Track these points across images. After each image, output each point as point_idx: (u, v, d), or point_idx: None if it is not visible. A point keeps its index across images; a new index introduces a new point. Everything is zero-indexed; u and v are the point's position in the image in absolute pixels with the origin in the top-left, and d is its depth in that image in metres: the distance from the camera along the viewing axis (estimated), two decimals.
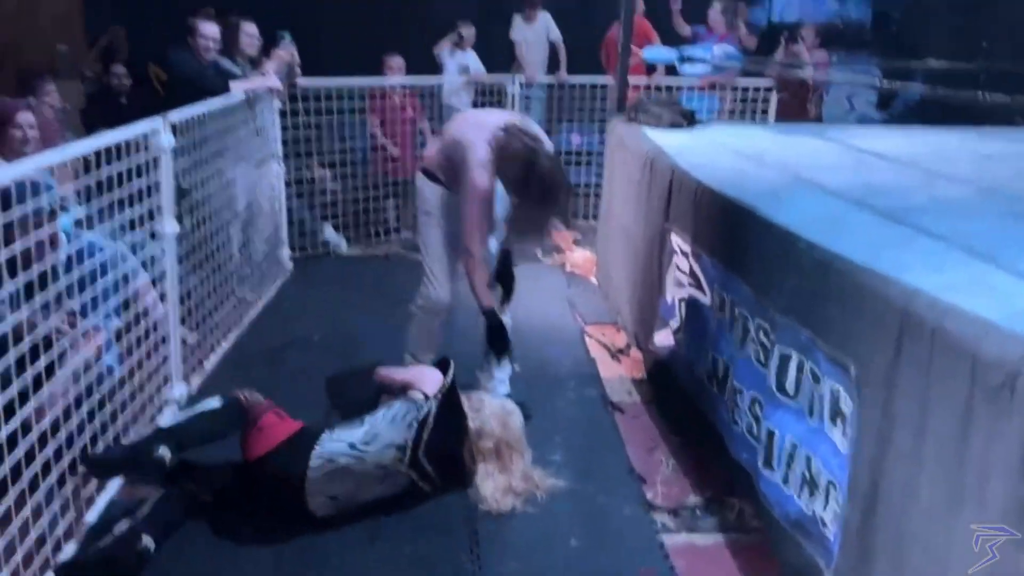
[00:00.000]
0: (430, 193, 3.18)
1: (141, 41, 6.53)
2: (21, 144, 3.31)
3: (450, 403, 2.71)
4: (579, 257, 5.62)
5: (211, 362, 3.77)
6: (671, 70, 6.05)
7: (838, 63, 7.62)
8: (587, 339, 4.23)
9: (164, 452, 2.51)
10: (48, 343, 2.31)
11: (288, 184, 5.16)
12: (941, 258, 2.09)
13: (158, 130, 3.03)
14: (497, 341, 3.14)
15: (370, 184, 5.69)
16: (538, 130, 3.13)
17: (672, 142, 3.88)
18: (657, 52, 4.83)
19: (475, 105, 6.29)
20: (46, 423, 2.30)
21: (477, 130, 3.03)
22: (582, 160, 6.54)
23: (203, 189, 3.78)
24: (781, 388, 2.42)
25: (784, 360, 2.40)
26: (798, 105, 6.32)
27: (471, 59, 6.33)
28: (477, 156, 2.96)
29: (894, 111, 7.68)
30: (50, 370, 2.31)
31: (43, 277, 2.28)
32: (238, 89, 4.24)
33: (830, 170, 3.30)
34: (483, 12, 7.56)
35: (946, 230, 2.34)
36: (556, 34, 6.71)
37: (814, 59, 6.37)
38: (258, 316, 4.40)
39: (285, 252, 5.13)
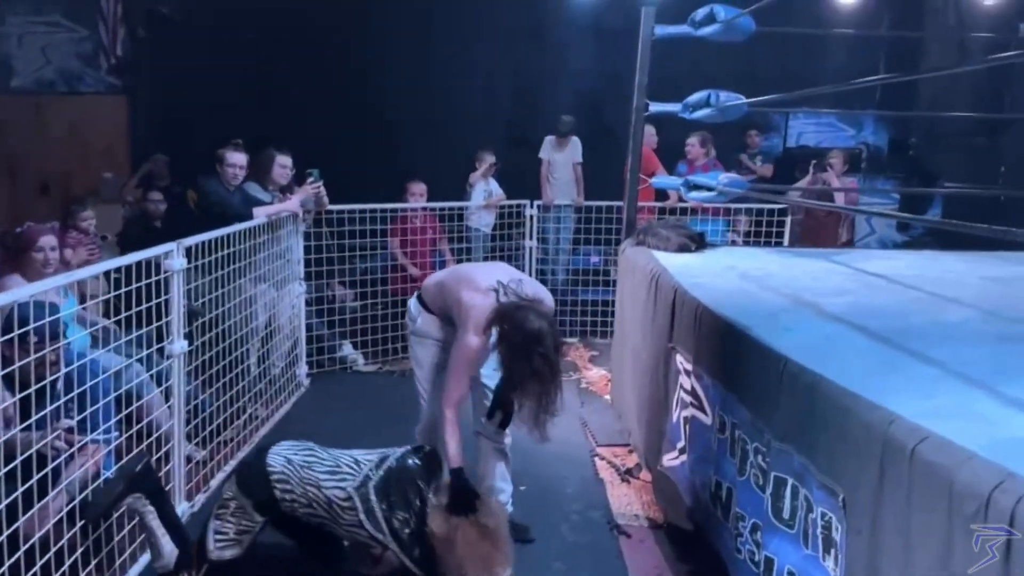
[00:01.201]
0: (423, 321, 3.25)
1: (182, 169, 6.92)
2: (42, 266, 3.49)
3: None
4: (595, 375, 5.62)
5: (217, 479, 3.77)
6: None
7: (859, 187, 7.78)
8: (597, 460, 4.16)
9: None
10: (44, 458, 2.36)
11: (309, 302, 5.30)
12: (931, 383, 2.07)
13: (170, 253, 3.16)
14: (459, 502, 2.82)
15: (389, 302, 5.80)
16: (537, 288, 3.11)
17: (677, 263, 3.94)
18: (665, 180, 5.01)
19: (496, 227, 6.52)
20: (37, 537, 2.32)
21: (479, 292, 2.98)
22: (599, 279, 6.65)
23: (218, 308, 3.90)
24: (778, 514, 2.36)
25: (780, 485, 2.35)
26: (827, 230, 6.37)
27: (493, 185, 6.60)
28: (474, 318, 2.91)
29: (914, 233, 7.74)
30: (45, 484, 2.35)
31: (44, 393, 2.35)
32: (261, 214, 4.43)
33: (832, 293, 3.31)
34: (508, 140, 7.94)
35: (941, 354, 2.32)
36: (578, 157, 6.96)
37: (843, 185, 6.47)
38: (268, 432, 4.42)
39: (303, 368, 5.20)
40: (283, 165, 4.88)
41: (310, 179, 4.85)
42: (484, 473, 3.36)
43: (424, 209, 6.02)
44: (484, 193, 6.55)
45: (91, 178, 8.23)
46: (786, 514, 2.30)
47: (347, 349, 5.60)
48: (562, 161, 6.97)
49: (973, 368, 2.17)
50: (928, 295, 3.34)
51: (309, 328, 5.28)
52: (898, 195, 8.29)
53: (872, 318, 2.82)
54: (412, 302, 3.34)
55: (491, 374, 3.19)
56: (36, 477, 2.31)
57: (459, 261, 6.21)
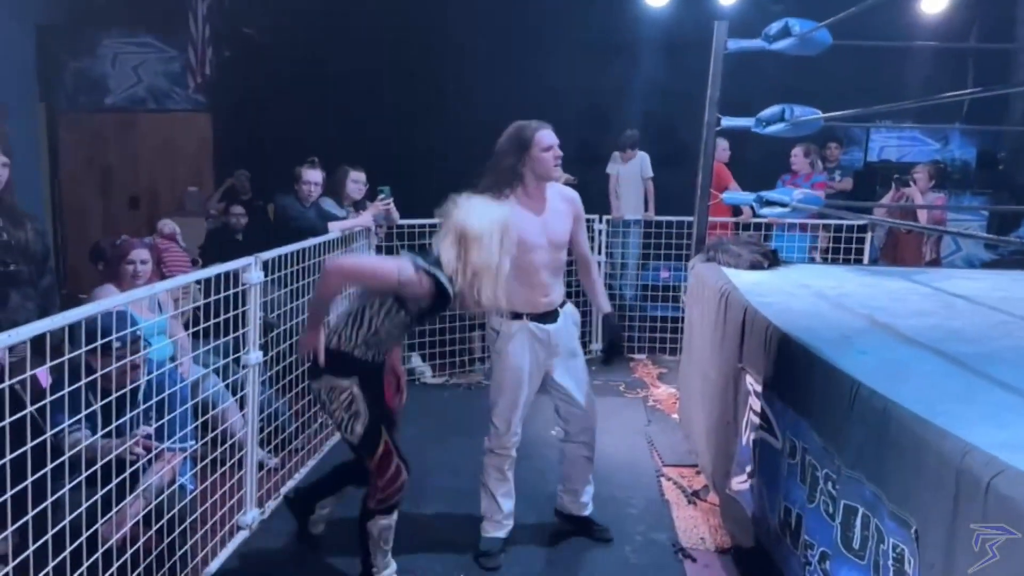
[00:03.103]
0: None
1: (264, 183, 7.16)
2: (133, 278, 3.65)
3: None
4: (663, 393, 5.55)
5: (287, 486, 3.86)
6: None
7: (945, 203, 7.48)
8: (663, 480, 4.10)
9: None
10: (123, 464, 2.47)
11: None
12: (1009, 412, 1.98)
13: (248, 266, 3.27)
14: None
15: (457, 316, 5.86)
16: None
17: (748, 281, 3.87)
18: (736, 195, 4.93)
19: None
20: (116, 538, 2.42)
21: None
22: (669, 295, 6.57)
23: (294, 320, 4.01)
24: (848, 544, 2.28)
25: (850, 514, 2.28)
26: (910, 248, 6.14)
27: None
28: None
29: (1003, 252, 7.40)
30: (124, 489, 2.45)
31: (125, 402, 2.46)
32: (335, 229, 4.55)
33: (910, 314, 3.19)
34: (578, 155, 7.93)
35: (1019, 380, 2.21)
36: (648, 172, 6.91)
37: (929, 201, 6.23)
38: (339, 442, 4.50)
39: None
40: (356, 181, 4.99)
41: (381, 196, 4.96)
42: (568, 475, 3.43)
43: None
44: None
45: (178, 192, 8.61)
46: (856, 544, 2.23)
47: (415, 361, 5.68)
48: (628, 175, 6.92)
49: None
50: (1013, 318, 3.20)
51: None
52: (986, 212, 7.95)
53: (951, 342, 2.72)
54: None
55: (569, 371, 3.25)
56: (115, 481, 2.42)
57: None
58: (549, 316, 3.19)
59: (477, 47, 7.93)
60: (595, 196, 6.90)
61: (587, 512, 3.49)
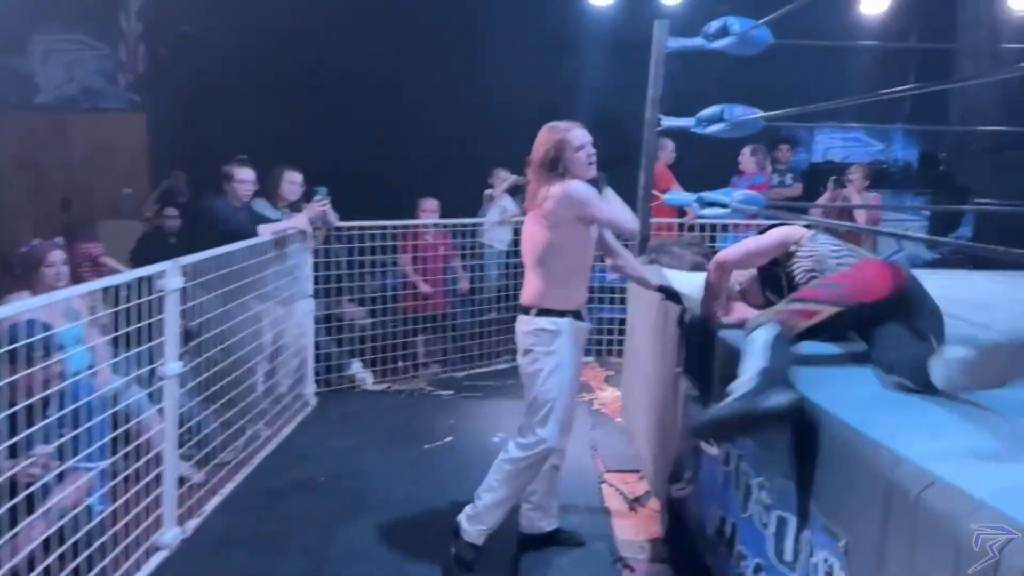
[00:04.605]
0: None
1: (204, 185, 6.93)
2: (55, 280, 3.46)
3: None
4: (609, 396, 5.48)
5: (213, 503, 3.69)
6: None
7: (886, 204, 7.55)
8: (605, 487, 4.02)
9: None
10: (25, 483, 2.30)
11: (318, 320, 5.23)
12: (943, 419, 1.92)
13: (164, 272, 3.10)
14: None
15: (400, 320, 5.72)
16: None
17: (689, 283, 3.80)
18: (678, 196, 4.88)
19: (511, 244, 6.41)
20: (11, 564, 2.24)
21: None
22: (616, 297, 6.50)
23: (220, 327, 3.85)
24: (780, 555, 2.21)
25: (782, 524, 2.20)
26: None
27: (507, 201, 6.51)
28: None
29: (944, 251, 7.48)
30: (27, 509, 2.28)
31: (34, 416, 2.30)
32: (266, 232, 4.38)
33: None
34: (526, 156, 7.83)
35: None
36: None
37: (865, 201, 6.28)
38: (271, 453, 4.34)
39: (310, 387, 5.12)
40: (292, 182, 4.82)
41: (317, 197, 4.79)
42: (536, 489, 3.27)
43: (436, 226, 5.94)
44: (499, 210, 6.46)
45: (112, 194, 8.31)
46: (788, 556, 2.16)
47: (356, 367, 5.52)
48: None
49: (992, 402, 2.01)
50: (954, 319, 3.16)
51: (318, 346, 5.20)
52: (927, 212, 8.05)
53: None
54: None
55: None
56: (10, 503, 2.24)
57: (472, 279, 6.13)
58: (580, 314, 3.11)
59: (421, 45, 7.80)
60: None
61: (557, 524, 3.38)
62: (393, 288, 5.77)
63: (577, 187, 2.93)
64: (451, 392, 5.50)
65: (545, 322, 2.98)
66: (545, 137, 3.01)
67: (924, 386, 2.06)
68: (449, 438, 4.59)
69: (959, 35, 7.94)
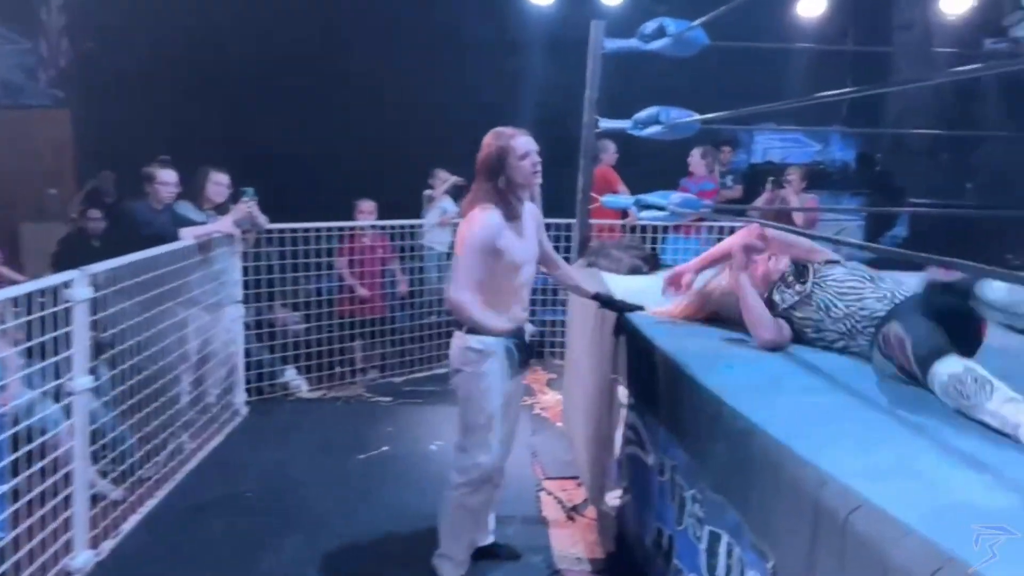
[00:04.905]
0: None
1: (132, 185, 6.66)
2: None
3: None
4: (550, 400, 5.41)
5: (132, 521, 3.51)
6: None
7: (824, 204, 7.64)
8: (543, 495, 3.94)
9: None
10: None
11: (249, 326, 5.05)
12: (873, 433, 1.87)
13: (71, 282, 2.91)
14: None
15: (336, 325, 5.56)
16: None
17: (626, 287, 3.74)
18: (615, 199, 4.83)
19: (451, 245, 6.31)
20: None
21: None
22: (558, 299, 6.44)
23: (140, 335, 3.66)
24: (712, 571, 2.15)
25: (715, 540, 2.15)
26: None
27: (448, 202, 6.40)
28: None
29: (880, 252, 7.60)
30: None
31: None
32: (188, 235, 4.20)
33: None
34: (466, 156, 7.72)
35: (885, 396, 2.13)
36: None
37: (802, 202, 6.33)
38: (196, 467, 4.16)
39: (240, 396, 4.94)
40: (218, 183, 4.63)
41: (244, 198, 4.61)
42: None
43: (373, 228, 5.80)
44: (439, 211, 6.35)
45: (36, 195, 7.94)
46: (721, 572, 2.10)
47: (290, 374, 5.34)
48: None
49: (920, 412, 1.97)
50: None
51: (248, 353, 5.02)
52: (864, 212, 8.18)
53: (818, 352, 2.64)
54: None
55: None
56: None
57: (412, 281, 6.00)
58: (518, 333, 2.92)
59: (358, 42, 7.64)
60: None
61: (492, 538, 3.28)
62: (329, 292, 5.61)
63: (468, 228, 2.77)
64: (390, 398, 5.37)
65: (474, 341, 2.82)
66: (489, 142, 2.86)
67: None
68: (386, 447, 4.47)
69: (894, 38, 8.07)
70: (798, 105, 3.19)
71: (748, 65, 6.95)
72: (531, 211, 3.01)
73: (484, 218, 2.75)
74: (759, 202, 6.45)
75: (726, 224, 6.06)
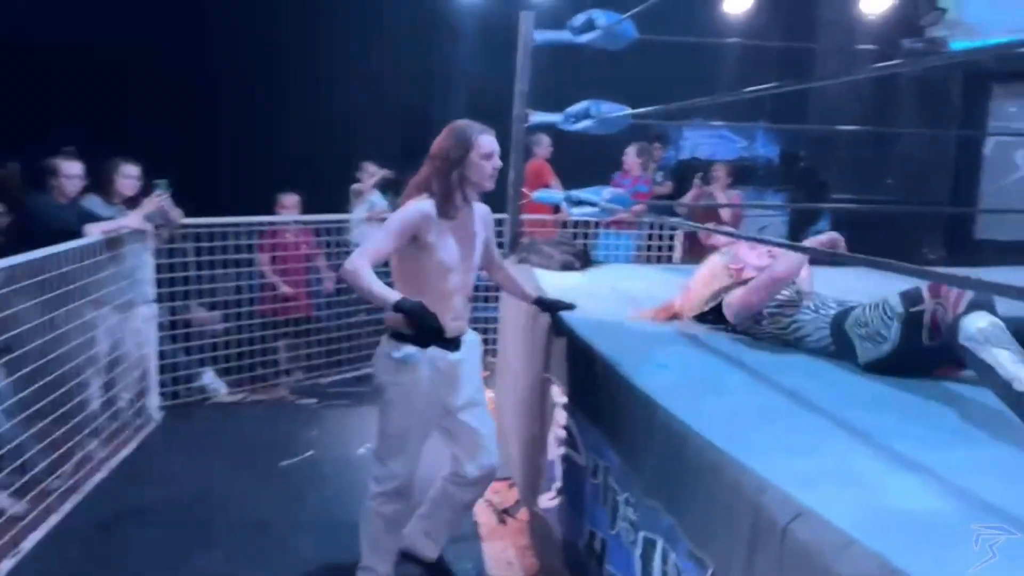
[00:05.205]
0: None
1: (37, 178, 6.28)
2: None
3: None
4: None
5: (35, 538, 3.27)
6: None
7: (749, 199, 7.75)
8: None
9: None
10: None
11: (164, 326, 4.81)
12: (807, 435, 1.83)
13: None
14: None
15: (259, 325, 5.35)
16: None
17: (558, 284, 3.68)
18: (547, 194, 4.77)
19: None
20: None
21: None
22: (492, 295, 6.35)
23: (42, 337, 3.43)
24: None
25: (649, 546, 2.08)
26: (714, 247, 6.28)
27: (376, 197, 6.23)
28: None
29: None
30: None
31: None
32: (95, 231, 3.96)
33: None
34: (397, 149, 7.56)
35: (820, 394, 2.10)
36: None
37: (728, 198, 6.39)
38: (107, 477, 3.92)
39: (154, 400, 4.70)
40: (128, 175, 4.38)
41: (157, 191, 4.37)
42: (441, 518, 3.06)
43: (297, 222, 5.60)
44: (367, 206, 6.17)
45: None
46: None
47: (208, 377, 5.10)
48: None
49: (855, 412, 1.95)
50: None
51: (163, 355, 4.78)
52: (788, 208, 8.33)
53: (750, 349, 2.62)
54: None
55: None
56: None
57: (339, 279, 5.81)
58: (452, 343, 2.73)
59: (281, 29, 7.38)
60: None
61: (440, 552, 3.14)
62: (250, 290, 5.38)
63: (400, 212, 2.60)
64: (315, 400, 5.20)
65: (395, 351, 2.64)
66: (454, 130, 2.67)
67: None
68: (310, 452, 4.30)
69: (817, 35, 8.22)
70: (726, 101, 3.16)
71: (677, 60, 6.97)
72: (482, 216, 2.84)
73: (416, 205, 2.59)
74: (687, 198, 6.48)
75: (657, 221, 6.08)
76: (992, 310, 2.02)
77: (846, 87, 7.25)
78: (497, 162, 2.70)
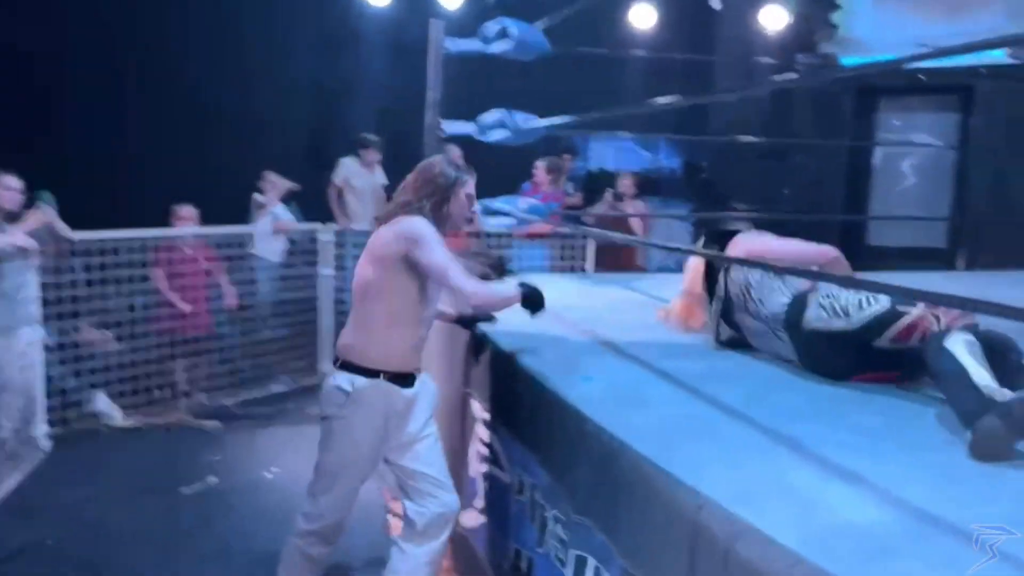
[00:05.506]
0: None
1: None
2: None
3: None
4: None
5: None
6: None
7: (655, 209, 7.88)
8: (391, 517, 3.72)
9: None
10: None
11: (50, 350, 4.48)
12: (740, 447, 1.81)
13: None
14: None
15: (155, 344, 5.06)
16: None
17: None
18: None
19: (286, 254, 5.95)
20: None
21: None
22: None
23: None
24: None
25: (580, 565, 2.03)
26: (627, 254, 6.35)
27: (279, 208, 6.02)
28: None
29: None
30: None
31: None
32: None
33: (633, 328, 3.08)
34: (303, 159, 7.34)
35: (747, 403, 2.10)
36: (384, 180, 6.54)
37: (634, 209, 6.48)
38: None
39: (41, 429, 4.37)
40: (8, 188, 4.09)
41: (39, 203, 4.09)
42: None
43: (195, 236, 5.33)
44: (271, 218, 5.95)
45: None
46: None
47: (100, 402, 4.77)
48: (370, 183, 6.47)
49: (781, 420, 1.95)
50: None
51: (50, 380, 4.46)
52: (692, 218, 8.52)
53: (675, 358, 2.60)
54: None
55: None
56: None
57: (242, 294, 5.57)
58: (409, 379, 2.57)
59: (178, 32, 7.06)
60: (325, 202, 6.39)
61: None
62: (145, 308, 5.08)
63: (419, 223, 2.46)
64: (218, 423, 4.94)
65: (345, 381, 2.48)
66: (449, 165, 2.60)
67: None
68: (214, 478, 4.08)
69: (718, 50, 8.45)
70: (634, 113, 3.18)
71: (585, 73, 7.04)
72: None
73: (428, 223, 2.48)
74: (598, 210, 6.54)
75: (573, 231, 6.10)
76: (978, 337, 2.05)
77: (745, 100, 7.47)
78: (475, 207, 2.73)
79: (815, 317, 2.35)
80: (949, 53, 1.79)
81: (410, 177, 2.62)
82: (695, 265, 2.98)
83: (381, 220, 2.61)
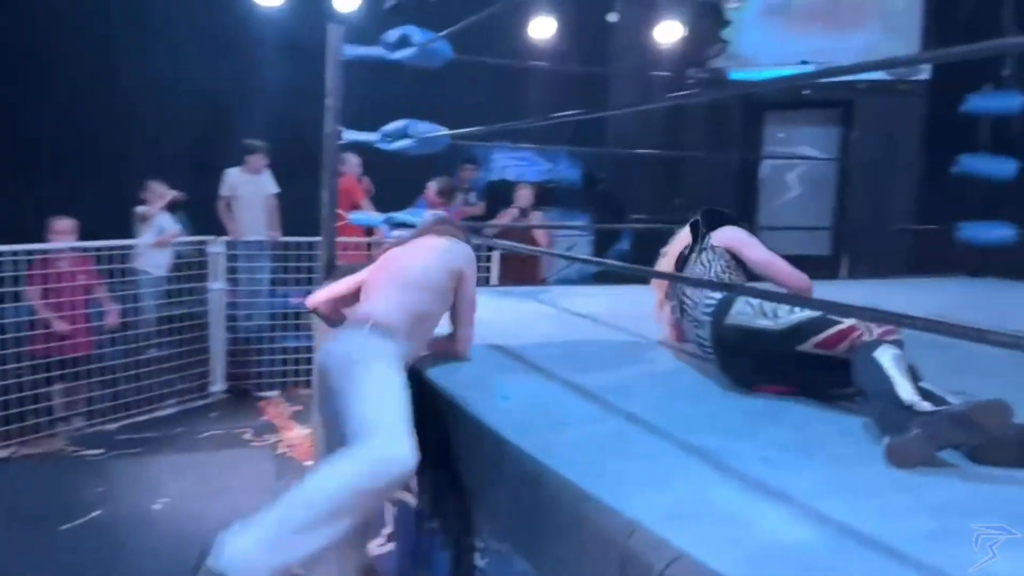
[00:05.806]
0: None
1: None
2: None
3: None
4: (297, 436, 4.99)
5: None
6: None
7: (556, 221, 7.94)
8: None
9: None
10: None
11: None
12: (662, 464, 1.79)
13: None
14: None
15: (28, 367, 4.69)
16: None
17: None
18: (365, 216, 4.59)
19: (171, 268, 5.65)
20: None
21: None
22: (301, 323, 6.00)
23: None
24: None
25: None
26: (531, 266, 6.36)
27: (165, 219, 5.71)
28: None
29: (610, 265, 8.03)
30: None
31: None
32: None
33: (543, 342, 3.04)
34: (189, 167, 6.99)
35: (666, 418, 2.08)
36: (273, 188, 6.32)
37: (533, 220, 6.50)
38: None
39: None
40: None
41: None
42: None
43: (73, 250, 4.98)
44: (156, 230, 5.63)
45: None
46: None
47: None
48: (254, 191, 6.24)
49: (700, 436, 1.94)
50: (635, 337, 3.20)
51: None
52: (590, 229, 8.63)
53: (587, 372, 2.57)
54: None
55: None
56: None
57: (124, 311, 5.24)
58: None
59: (49, 31, 6.61)
60: (214, 212, 6.13)
61: None
62: (17, 328, 4.71)
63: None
64: (100, 451, 4.64)
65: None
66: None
67: None
68: (97, 512, 3.79)
69: (614, 62, 8.60)
70: (534, 125, 3.16)
71: (483, 83, 7.00)
72: None
73: None
74: (499, 220, 6.53)
75: (478, 243, 6.02)
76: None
77: (641, 113, 7.61)
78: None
79: (739, 311, 2.33)
80: (840, 73, 1.82)
81: None
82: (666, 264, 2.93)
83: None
